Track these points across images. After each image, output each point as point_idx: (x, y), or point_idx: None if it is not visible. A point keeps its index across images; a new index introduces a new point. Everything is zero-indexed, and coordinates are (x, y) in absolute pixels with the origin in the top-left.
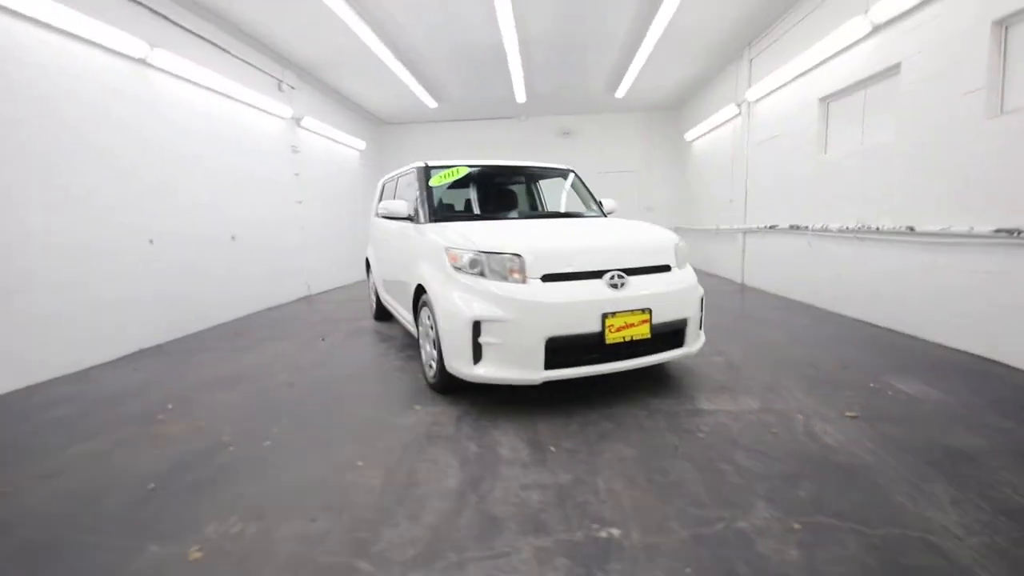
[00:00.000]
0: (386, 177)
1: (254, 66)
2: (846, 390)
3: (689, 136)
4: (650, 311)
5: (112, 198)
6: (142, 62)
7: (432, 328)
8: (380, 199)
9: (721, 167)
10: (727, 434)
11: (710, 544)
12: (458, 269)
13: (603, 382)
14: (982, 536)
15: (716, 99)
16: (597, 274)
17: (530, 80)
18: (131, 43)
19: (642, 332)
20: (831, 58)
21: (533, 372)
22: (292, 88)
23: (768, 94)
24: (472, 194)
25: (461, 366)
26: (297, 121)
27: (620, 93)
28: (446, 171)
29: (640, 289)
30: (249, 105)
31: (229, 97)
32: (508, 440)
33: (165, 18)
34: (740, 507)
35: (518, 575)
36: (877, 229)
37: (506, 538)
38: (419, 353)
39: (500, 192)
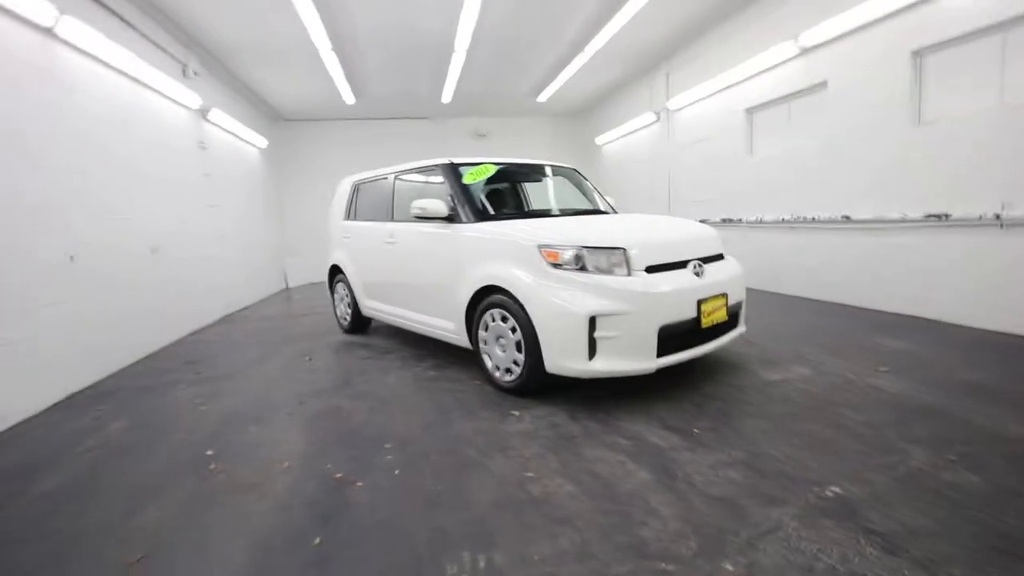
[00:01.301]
0: (359, 178)
1: (160, 46)
2: (857, 351)
3: (600, 140)
4: (726, 295)
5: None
6: (49, 33)
7: (515, 330)
8: (352, 202)
9: (637, 168)
10: (817, 395)
11: (910, 485)
12: (557, 266)
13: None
14: None
15: (631, 107)
16: (683, 264)
17: (465, 79)
18: (38, 6)
19: (722, 315)
20: (757, 75)
21: (649, 361)
22: (196, 75)
23: (691, 104)
24: (498, 192)
25: (573, 363)
26: (204, 113)
27: (543, 97)
28: (476, 168)
29: (716, 276)
30: (159, 92)
31: (139, 82)
32: (647, 430)
33: None
34: (896, 452)
35: (808, 543)
36: (813, 219)
37: (761, 515)
38: (440, 363)
39: (517, 190)
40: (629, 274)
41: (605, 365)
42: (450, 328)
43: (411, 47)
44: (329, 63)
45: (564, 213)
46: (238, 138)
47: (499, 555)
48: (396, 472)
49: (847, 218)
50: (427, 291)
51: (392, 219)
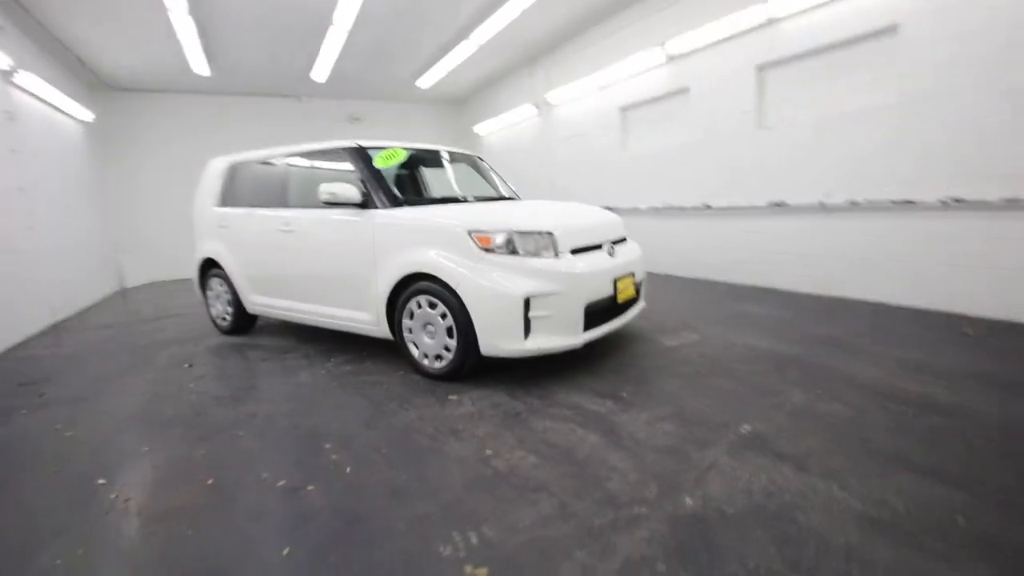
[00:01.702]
0: (236, 159)
1: None
2: (730, 318)
3: (480, 130)
4: (634, 274)
5: None
6: None
7: (445, 316)
8: (228, 186)
9: (518, 159)
10: (710, 356)
11: (798, 417)
12: (488, 251)
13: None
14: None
15: (510, 98)
16: (598, 246)
17: (344, 59)
18: None
19: (632, 292)
20: (631, 77)
21: (576, 337)
22: (0, 28)
23: (570, 100)
24: (399, 178)
25: (509, 344)
26: (9, 75)
27: (425, 83)
28: (386, 152)
29: (626, 256)
30: None
31: None
32: (583, 399)
33: None
34: (781, 393)
35: (741, 471)
36: (681, 208)
37: (699, 456)
38: (352, 357)
39: (416, 176)
40: (556, 256)
41: (539, 343)
42: (365, 319)
43: (282, 14)
44: (178, 22)
45: (477, 199)
46: (56, 109)
47: (488, 529)
48: (347, 470)
49: (708, 206)
50: (336, 282)
51: (286, 205)
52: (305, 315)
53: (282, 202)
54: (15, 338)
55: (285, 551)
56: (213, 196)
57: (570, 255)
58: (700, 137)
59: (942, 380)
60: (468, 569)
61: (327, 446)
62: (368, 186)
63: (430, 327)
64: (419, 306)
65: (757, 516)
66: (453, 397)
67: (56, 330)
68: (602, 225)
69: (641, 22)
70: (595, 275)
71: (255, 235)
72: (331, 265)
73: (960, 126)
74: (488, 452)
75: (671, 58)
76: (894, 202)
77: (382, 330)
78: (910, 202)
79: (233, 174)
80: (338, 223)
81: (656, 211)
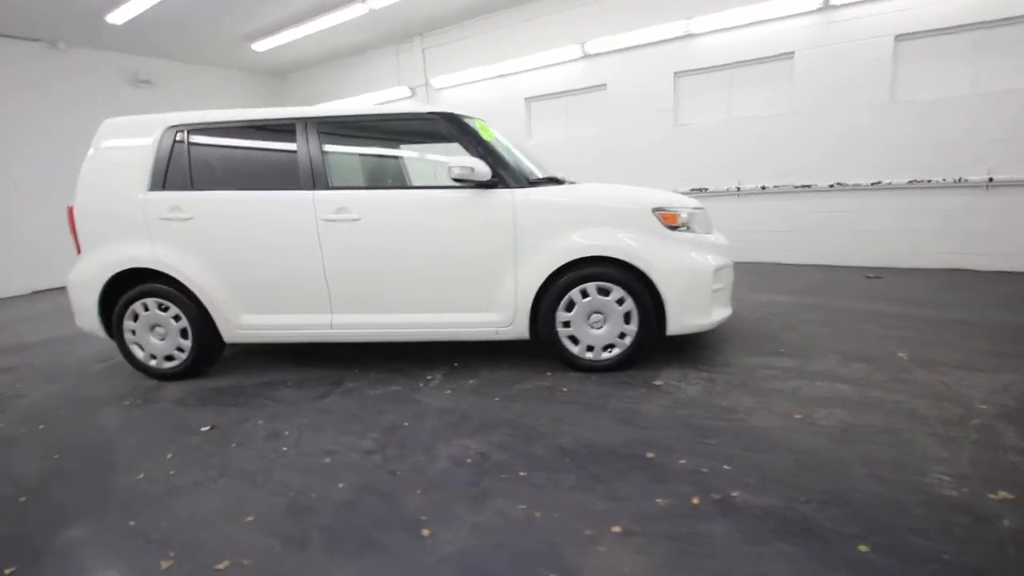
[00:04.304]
0: (192, 120)
1: None
2: None
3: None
4: None
5: None
6: None
7: (622, 301)
8: (173, 160)
9: None
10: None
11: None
12: (674, 228)
13: None
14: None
15: (375, 77)
16: None
17: None
18: None
19: None
20: (540, 68)
21: (729, 307)
22: None
23: (461, 85)
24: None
25: (697, 319)
26: None
27: (262, 46)
28: (479, 124)
29: None
30: None
31: None
32: (764, 361)
33: None
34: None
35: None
36: None
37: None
38: (453, 374)
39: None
40: (710, 232)
41: (719, 315)
42: (491, 321)
43: None
44: None
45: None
46: None
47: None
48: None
49: None
50: (446, 280)
51: (326, 186)
52: (371, 331)
53: (309, 181)
54: None
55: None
56: (140, 175)
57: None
58: (613, 130)
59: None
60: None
61: (726, 467)
62: (490, 161)
63: (596, 316)
64: (585, 295)
65: None
66: (659, 383)
67: None
68: None
69: (554, 15)
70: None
71: (257, 228)
72: (437, 259)
73: (838, 131)
74: (800, 405)
75: (588, 55)
76: (795, 187)
77: (516, 330)
78: (807, 186)
79: (186, 144)
80: (454, 206)
81: None
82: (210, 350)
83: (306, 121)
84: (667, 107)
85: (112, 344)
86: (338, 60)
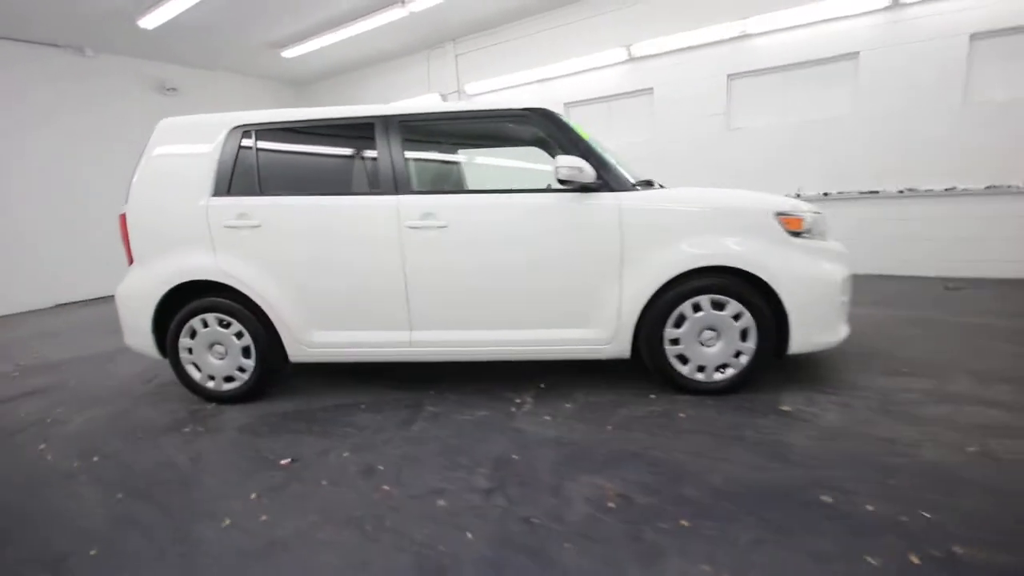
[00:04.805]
0: (261, 119)
1: None
2: None
3: None
4: None
5: None
6: None
7: (738, 316)
8: (239, 164)
9: None
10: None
11: None
12: (797, 235)
13: None
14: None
15: (404, 85)
16: None
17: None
18: None
19: None
20: (581, 72)
21: (847, 323)
22: None
23: (497, 90)
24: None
25: (826, 336)
26: None
27: (291, 52)
28: (574, 123)
29: None
30: None
31: None
32: (888, 381)
33: None
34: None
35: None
36: None
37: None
38: (534, 393)
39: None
40: (825, 239)
41: (844, 331)
42: (590, 338)
43: None
44: None
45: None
46: None
47: None
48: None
49: None
50: (544, 293)
51: (408, 190)
52: (440, 348)
53: (391, 186)
54: None
55: None
56: (203, 180)
57: None
58: (661, 135)
59: None
60: None
61: (927, 515)
62: (592, 162)
63: (708, 333)
64: (697, 309)
65: None
66: (786, 408)
67: None
68: None
69: (598, 18)
70: None
71: (332, 236)
72: (533, 270)
73: (908, 134)
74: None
75: (634, 58)
76: (861, 192)
77: (617, 348)
78: (874, 192)
79: (253, 146)
80: (553, 211)
81: None
82: (273, 370)
83: (387, 119)
84: (719, 111)
85: (154, 363)
86: (366, 68)
